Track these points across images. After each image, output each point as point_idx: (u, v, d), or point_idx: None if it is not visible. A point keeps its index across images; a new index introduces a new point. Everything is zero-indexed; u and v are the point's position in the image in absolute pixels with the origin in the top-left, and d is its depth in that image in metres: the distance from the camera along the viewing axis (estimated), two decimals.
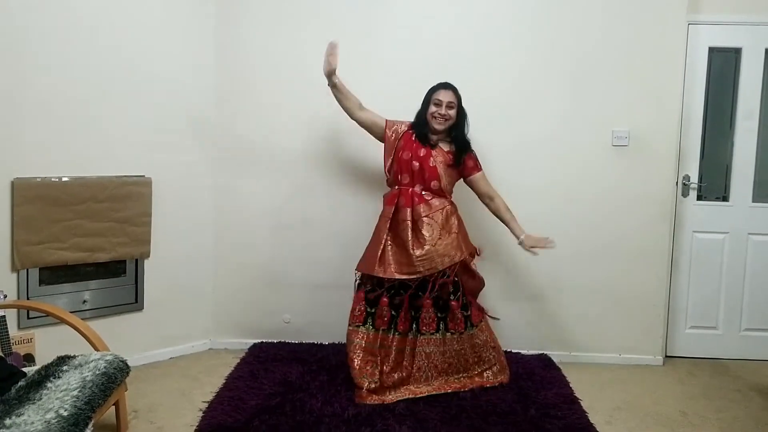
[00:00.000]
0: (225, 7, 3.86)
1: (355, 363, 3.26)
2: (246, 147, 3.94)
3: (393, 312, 3.31)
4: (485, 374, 3.39)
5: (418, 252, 3.20)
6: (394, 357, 3.29)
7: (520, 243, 3.32)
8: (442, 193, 3.36)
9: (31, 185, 3.21)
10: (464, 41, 3.83)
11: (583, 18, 3.79)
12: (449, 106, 3.29)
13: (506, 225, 3.38)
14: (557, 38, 3.80)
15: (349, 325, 3.36)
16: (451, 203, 3.40)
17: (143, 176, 3.63)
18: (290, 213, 3.97)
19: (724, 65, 3.97)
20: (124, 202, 3.53)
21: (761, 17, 3.82)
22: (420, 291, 3.28)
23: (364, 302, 3.35)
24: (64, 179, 3.33)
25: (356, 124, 3.46)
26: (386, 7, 3.86)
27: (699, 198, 3.98)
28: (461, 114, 3.36)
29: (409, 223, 3.25)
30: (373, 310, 3.33)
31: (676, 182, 3.90)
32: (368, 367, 3.26)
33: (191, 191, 3.87)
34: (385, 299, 3.30)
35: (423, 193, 3.32)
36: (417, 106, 3.40)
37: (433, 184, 3.32)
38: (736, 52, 3.91)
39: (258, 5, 3.86)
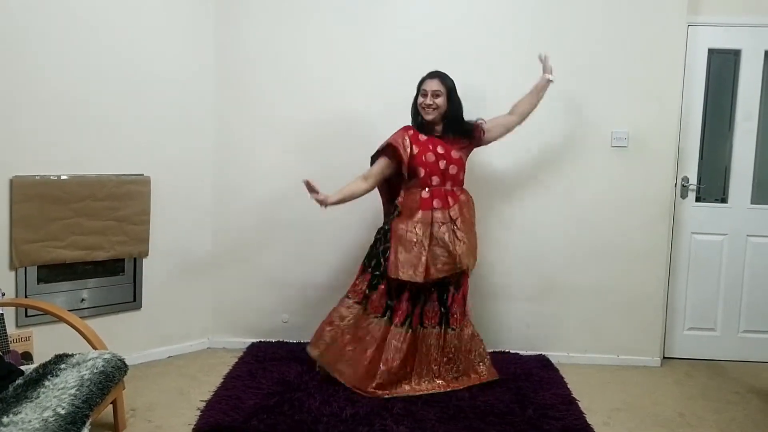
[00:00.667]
0: (225, 6, 3.86)
1: (327, 331, 3.41)
2: (245, 147, 3.94)
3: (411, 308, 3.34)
4: (479, 368, 3.42)
5: (459, 249, 3.24)
6: (405, 351, 3.29)
7: (542, 79, 3.51)
8: (463, 183, 3.43)
9: (30, 183, 3.21)
10: (464, 41, 3.83)
11: (583, 19, 3.79)
12: (435, 95, 3.29)
13: (534, 99, 3.53)
14: (557, 39, 3.80)
15: (355, 304, 3.40)
16: (469, 193, 3.47)
17: (142, 175, 3.63)
18: (289, 213, 3.97)
19: (723, 67, 3.98)
20: (123, 201, 3.53)
21: (761, 19, 3.83)
22: (432, 286, 3.33)
23: (386, 296, 3.34)
24: (63, 177, 3.33)
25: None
26: (386, 7, 3.86)
27: (698, 199, 3.99)
28: (453, 101, 3.34)
29: (450, 224, 3.27)
30: (391, 303, 3.34)
31: (675, 183, 3.90)
32: (326, 339, 3.41)
33: (190, 190, 3.87)
34: (407, 294, 3.31)
35: (454, 189, 3.35)
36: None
37: (461, 175, 3.39)
38: (736, 54, 3.91)
39: (258, 4, 3.86)
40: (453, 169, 3.33)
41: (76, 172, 3.38)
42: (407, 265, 3.25)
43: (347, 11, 3.86)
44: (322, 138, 3.92)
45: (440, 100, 3.30)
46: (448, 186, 3.33)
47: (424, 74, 3.37)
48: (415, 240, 3.26)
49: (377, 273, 3.36)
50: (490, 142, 3.49)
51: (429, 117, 3.31)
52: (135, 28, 3.54)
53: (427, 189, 3.31)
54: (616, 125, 3.82)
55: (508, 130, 3.51)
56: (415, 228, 3.27)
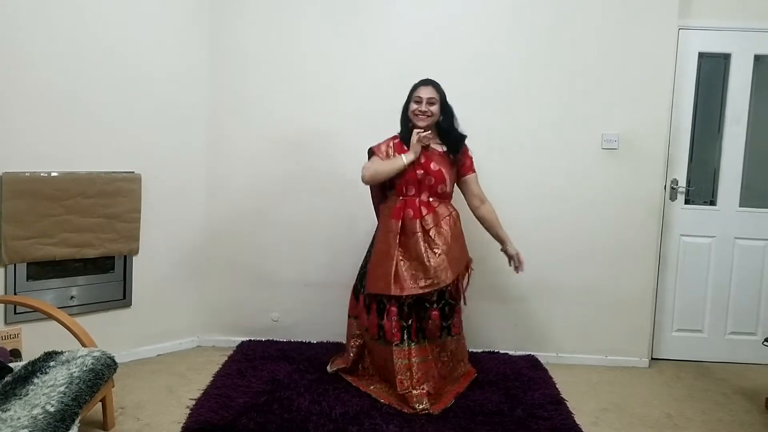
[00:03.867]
0: (218, 4, 3.85)
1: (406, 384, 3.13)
2: (237, 145, 3.94)
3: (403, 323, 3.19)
4: (467, 367, 3.46)
5: (434, 262, 3.11)
6: (417, 367, 3.15)
7: (504, 250, 3.40)
8: (447, 197, 3.33)
9: (19, 180, 3.20)
10: (458, 44, 3.84)
11: (574, 22, 3.81)
12: (430, 102, 3.22)
13: (492, 231, 3.41)
14: (549, 43, 3.83)
15: (388, 342, 3.16)
16: (455, 208, 3.36)
17: (133, 172, 3.62)
18: (280, 211, 3.97)
19: (713, 70, 4.01)
20: (114, 198, 3.52)
21: (750, 23, 3.86)
22: (426, 302, 3.20)
23: (397, 317, 3.15)
24: (54, 174, 3.32)
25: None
26: (381, 6, 3.87)
27: (687, 202, 4.02)
28: (445, 110, 3.29)
29: (420, 234, 3.16)
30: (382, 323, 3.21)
31: (665, 186, 3.93)
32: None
33: (181, 188, 3.86)
34: (393, 310, 3.14)
35: (430, 200, 3.25)
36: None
37: (440, 188, 3.26)
38: (725, 58, 3.94)
39: (252, 3, 3.85)
40: (430, 180, 3.23)
41: (67, 168, 3.37)
42: (379, 279, 3.17)
43: (341, 9, 3.86)
44: (314, 137, 3.91)
45: (435, 108, 3.24)
46: (424, 197, 3.24)
47: (416, 81, 3.30)
48: (385, 250, 3.20)
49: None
50: (461, 185, 3.40)
51: (422, 124, 3.24)
52: (127, 25, 3.53)
53: (400, 198, 3.25)
54: (607, 128, 3.84)
55: (473, 198, 3.39)
56: (387, 238, 3.22)
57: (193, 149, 3.88)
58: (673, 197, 3.97)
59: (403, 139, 3.30)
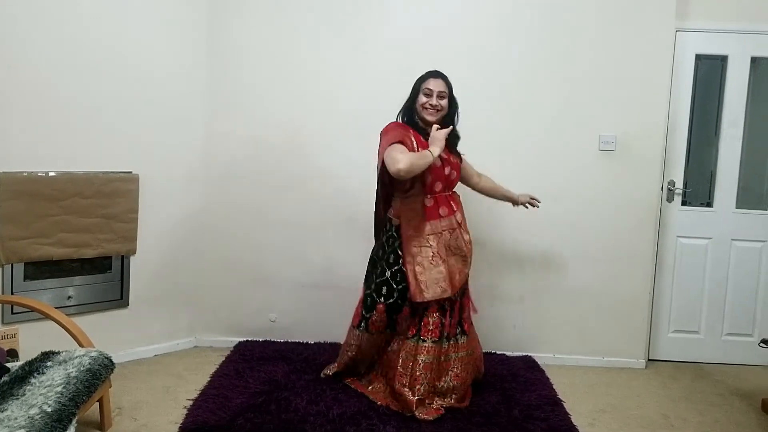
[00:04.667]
0: (216, 3, 3.85)
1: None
2: (234, 144, 3.94)
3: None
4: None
5: (467, 251, 3.17)
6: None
7: (517, 201, 3.48)
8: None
9: (17, 180, 3.20)
10: (456, 46, 3.84)
11: (572, 24, 3.82)
12: (440, 96, 3.09)
13: (498, 194, 3.49)
14: (547, 44, 3.83)
15: (426, 340, 3.07)
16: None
17: (131, 172, 3.62)
18: (278, 212, 3.97)
19: (710, 72, 4.02)
20: (111, 198, 3.52)
21: (747, 25, 3.87)
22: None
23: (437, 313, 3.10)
24: (51, 174, 3.32)
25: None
26: (379, 5, 3.87)
27: (684, 203, 4.03)
28: (453, 104, 3.18)
29: (458, 230, 3.14)
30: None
31: (662, 187, 3.94)
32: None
33: (179, 188, 3.86)
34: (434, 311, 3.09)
35: (452, 193, 3.23)
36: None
37: (456, 180, 3.25)
38: (723, 60, 3.95)
39: (250, 2, 3.85)
40: (453, 174, 3.19)
41: (65, 169, 3.37)
42: (432, 284, 3.04)
43: (339, 9, 3.86)
44: (312, 137, 3.91)
45: (445, 102, 3.11)
46: (448, 191, 3.19)
47: (424, 73, 3.17)
48: (431, 254, 3.06)
49: (390, 301, 3.14)
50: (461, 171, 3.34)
51: (433, 118, 3.10)
52: (124, 24, 3.53)
53: (429, 196, 3.11)
54: (604, 129, 3.85)
55: (472, 178, 3.44)
56: (428, 241, 3.07)
57: (191, 149, 3.88)
58: (670, 198, 3.98)
59: (418, 131, 3.15)
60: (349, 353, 3.32)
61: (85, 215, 3.44)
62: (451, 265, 3.11)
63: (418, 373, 3.05)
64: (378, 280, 3.17)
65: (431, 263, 3.05)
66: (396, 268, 3.12)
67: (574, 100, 3.85)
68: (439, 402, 3.10)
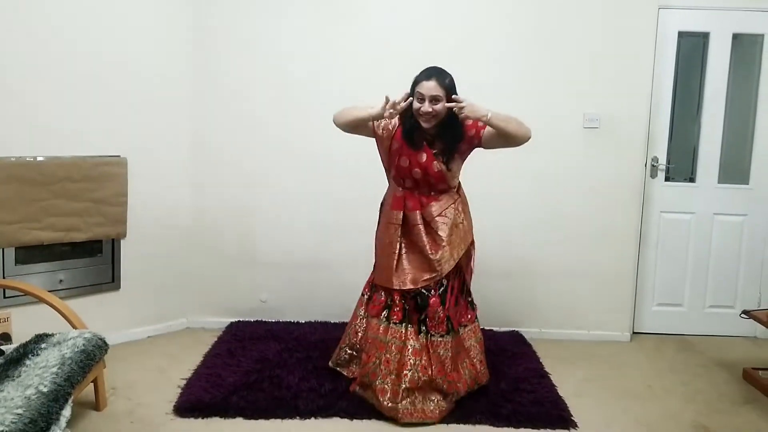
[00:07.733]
0: None
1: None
2: (223, 126, 3.94)
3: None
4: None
5: (438, 255, 2.90)
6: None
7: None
8: (450, 189, 3.04)
9: (5, 165, 3.20)
10: (439, 25, 3.86)
11: (556, 3, 3.84)
12: (434, 100, 2.77)
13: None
14: (531, 23, 3.86)
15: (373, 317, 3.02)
16: (458, 193, 3.10)
17: (119, 156, 3.62)
18: (267, 193, 4.00)
19: (692, 49, 4.06)
20: (100, 182, 3.52)
21: (729, 2, 3.90)
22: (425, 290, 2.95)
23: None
24: (39, 159, 3.32)
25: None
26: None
27: (667, 179, 4.09)
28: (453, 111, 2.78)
29: (422, 226, 2.94)
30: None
31: (645, 164, 3.99)
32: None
33: (167, 171, 3.87)
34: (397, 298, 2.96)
35: (432, 194, 2.98)
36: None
37: (441, 187, 2.98)
38: (705, 37, 3.99)
39: None
40: (431, 180, 2.94)
41: (53, 153, 3.37)
42: (381, 270, 3.05)
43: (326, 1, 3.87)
44: (300, 118, 3.93)
45: (440, 107, 2.78)
46: (425, 191, 2.98)
47: (419, 72, 2.85)
48: (387, 242, 3.03)
49: None
50: (488, 146, 2.99)
51: (428, 125, 2.84)
52: (110, 8, 3.51)
53: (400, 189, 3.03)
54: (588, 107, 3.89)
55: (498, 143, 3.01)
56: (389, 230, 3.03)
57: (178, 132, 3.89)
58: (653, 175, 4.04)
59: (406, 133, 2.92)
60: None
61: (74, 199, 3.45)
62: (410, 260, 2.97)
63: (368, 348, 3.02)
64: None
65: (387, 251, 3.01)
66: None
67: (558, 77, 3.88)
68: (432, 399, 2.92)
